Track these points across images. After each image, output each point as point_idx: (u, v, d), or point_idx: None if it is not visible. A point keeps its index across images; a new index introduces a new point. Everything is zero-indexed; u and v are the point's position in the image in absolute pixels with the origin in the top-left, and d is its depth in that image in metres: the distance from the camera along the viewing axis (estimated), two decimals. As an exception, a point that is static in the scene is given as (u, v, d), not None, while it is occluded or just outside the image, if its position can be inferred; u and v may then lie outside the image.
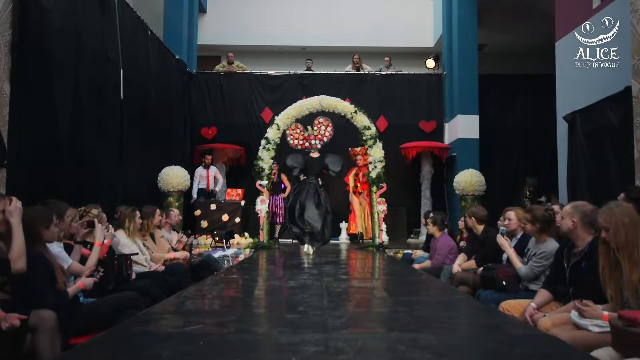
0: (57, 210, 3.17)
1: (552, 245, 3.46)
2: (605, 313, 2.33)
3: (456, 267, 4.59)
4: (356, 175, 9.07)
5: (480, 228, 4.65)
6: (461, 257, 4.78)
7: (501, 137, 10.50)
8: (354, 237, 8.74)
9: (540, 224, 3.52)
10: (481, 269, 4.06)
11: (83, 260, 3.37)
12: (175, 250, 5.17)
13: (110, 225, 3.83)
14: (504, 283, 3.59)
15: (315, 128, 7.42)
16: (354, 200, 8.93)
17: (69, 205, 3.44)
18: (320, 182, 7.00)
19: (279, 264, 5.88)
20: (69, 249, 3.29)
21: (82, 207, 3.88)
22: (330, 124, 7.42)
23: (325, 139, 7.40)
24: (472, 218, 4.73)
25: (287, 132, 7.40)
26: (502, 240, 3.89)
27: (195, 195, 8.78)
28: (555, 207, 3.90)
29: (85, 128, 5.62)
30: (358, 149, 8.96)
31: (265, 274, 5.20)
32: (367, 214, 8.62)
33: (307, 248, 6.40)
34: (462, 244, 5.30)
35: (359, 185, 8.93)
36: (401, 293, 3.82)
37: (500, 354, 2.06)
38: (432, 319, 2.75)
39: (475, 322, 2.84)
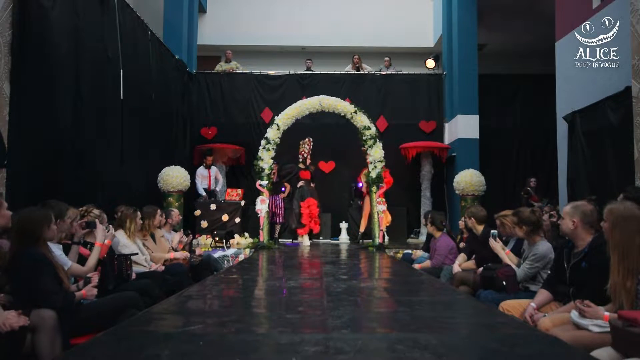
0: (57, 211, 3.17)
1: (542, 247, 3.50)
2: (606, 314, 2.33)
3: (456, 267, 4.59)
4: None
5: (480, 228, 4.65)
6: (461, 257, 4.78)
7: (501, 137, 10.49)
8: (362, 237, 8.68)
9: (527, 225, 3.56)
10: (481, 268, 4.06)
11: (81, 259, 3.36)
12: (175, 250, 5.18)
13: (110, 226, 3.83)
14: (504, 283, 3.59)
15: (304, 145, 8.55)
16: (367, 200, 8.66)
17: (69, 205, 3.44)
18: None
19: (279, 264, 5.88)
20: (67, 249, 3.29)
21: (82, 207, 3.88)
22: (311, 144, 8.61)
23: (305, 154, 8.56)
24: (472, 218, 4.73)
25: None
26: (494, 243, 3.89)
27: (204, 193, 8.77)
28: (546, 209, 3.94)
29: (85, 128, 5.62)
30: None
31: (265, 274, 5.20)
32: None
33: (305, 241, 8.11)
34: (462, 245, 5.30)
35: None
36: (401, 293, 3.82)
37: (500, 354, 2.06)
38: (432, 319, 2.75)
39: (476, 322, 2.84)
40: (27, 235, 2.70)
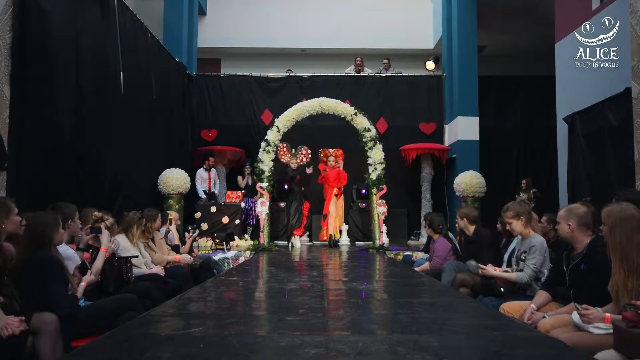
0: (68, 213, 3.19)
1: (537, 238, 3.52)
2: (607, 315, 2.32)
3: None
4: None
5: (471, 229, 4.69)
6: None
7: (501, 139, 10.48)
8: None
9: (524, 215, 3.60)
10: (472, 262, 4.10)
11: (82, 264, 3.36)
12: (174, 249, 5.21)
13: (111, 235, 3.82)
14: (502, 289, 3.60)
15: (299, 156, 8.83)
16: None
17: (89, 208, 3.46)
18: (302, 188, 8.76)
19: (279, 266, 5.87)
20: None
21: (98, 213, 3.81)
22: (309, 156, 8.91)
23: (302, 163, 8.81)
24: (464, 219, 4.75)
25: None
26: (486, 271, 3.79)
27: (204, 196, 8.78)
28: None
29: (85, 130, 5.61)
30: (332, 150, 8.91)
31: (266, 276, 5.19)
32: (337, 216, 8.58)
33: (295, 242, 8.27)
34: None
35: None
36: (402, 295, 3.82)
37: (501, 356, 2.06)
38: (433, 321, 2.74)
39: (476, 323, 2.84)
40: (38, 239, 2.71)
